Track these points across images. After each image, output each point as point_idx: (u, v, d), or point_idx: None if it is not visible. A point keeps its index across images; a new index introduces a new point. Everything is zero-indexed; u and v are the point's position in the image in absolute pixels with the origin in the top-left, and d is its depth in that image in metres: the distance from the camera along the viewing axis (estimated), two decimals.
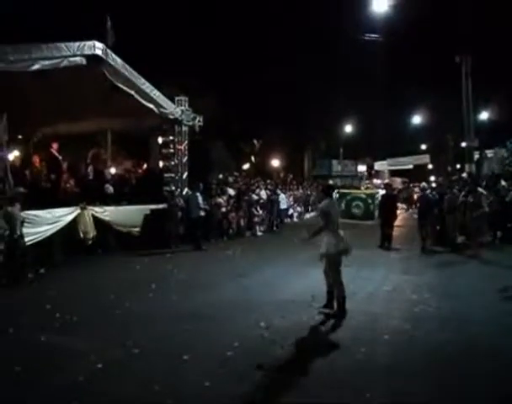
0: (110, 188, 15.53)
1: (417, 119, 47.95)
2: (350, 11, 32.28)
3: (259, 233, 20.09)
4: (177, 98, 17.62)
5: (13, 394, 4.90)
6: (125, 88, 13.64)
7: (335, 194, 26.31)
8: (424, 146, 55.68)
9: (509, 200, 15.80)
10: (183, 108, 17.60)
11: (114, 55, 12.98)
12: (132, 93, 14.00)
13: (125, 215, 14.92)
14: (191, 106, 18.11)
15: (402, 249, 15.13)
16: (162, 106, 15.91)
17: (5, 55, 10.06)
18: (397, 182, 46.83)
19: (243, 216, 19.44)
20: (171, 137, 18.16)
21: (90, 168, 16.47)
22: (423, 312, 7.70)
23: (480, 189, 15.34)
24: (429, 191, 16.64)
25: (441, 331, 6.76)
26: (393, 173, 54.34)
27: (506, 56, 31.94)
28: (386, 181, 35.60)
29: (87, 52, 11.95)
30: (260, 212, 20.71)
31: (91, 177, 16.16)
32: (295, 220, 27.21)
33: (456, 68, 26.67)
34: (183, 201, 16.47)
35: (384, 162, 53.89)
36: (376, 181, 49.58)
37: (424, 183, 18.91)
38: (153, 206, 15.70)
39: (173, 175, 18.06)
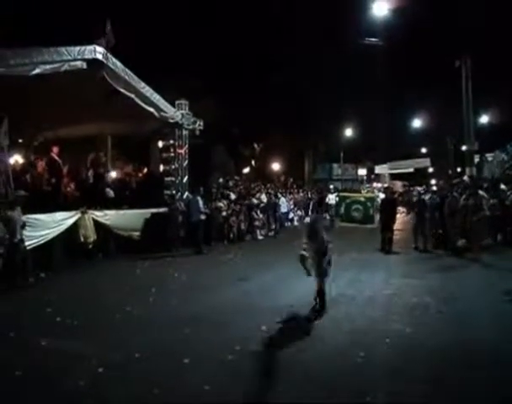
0: (111, 192, 15.55)
1: (417, 123, 47.99)
2: (351, 15, 32.37)
3: (260, 237, 20.11)
4: (177, 102, 17.66)
5: (14, 398, 4.90)
6: (125, 92, 13.65)
7: (335, 198, 26.39)
8: (424, 150, 55.67)
9: (509, 204, 15.81)
10: (183, 111, 17.63)
11: (114, 59, 12.99)
12: (132, 96, 14.01)
13: (126, 218, 14.94)
14: (191, 110, 18.15)
15: (402, 253, 15.12)
16: (162, 110, 15.93)
17: (6, 59, 10.06)
18: (398, 185, 46.85)
19: (244, 220, 19.45)
20: (171, 141, 18.21)
21: (90, 172, 16.48)
22: (423, 316, 7.69)
23: (481, 193, 15.34)
24: (426, 194, 16.66)
25: (442, 334, 6.74)
26: (394, 177, 54.34)
27: (506, 60, 32.01)
28: (386, 185, 35.60)
29: (87, 56, 11.95)
30: (261, 216, 20.72)
31: (91, 181, 16.17)
32: (295, 223, 27.19)
33: (456, 71, 26.69)
34: (183, 205, 16.48)
35: (384, 166, 53.83)
36: (377, 184, 49.58)
37: (419, 188, 18.90)
38: (154, 210, 15.72)
39: (173, 179, 18.10)
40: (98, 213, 13.81)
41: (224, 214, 18.27)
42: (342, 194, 29.07)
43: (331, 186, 32.10)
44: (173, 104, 17.11)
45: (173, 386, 5.09)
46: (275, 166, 41.50)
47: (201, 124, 18.50)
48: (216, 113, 27.70)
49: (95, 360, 5.67)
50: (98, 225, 13.70)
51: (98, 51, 12.27)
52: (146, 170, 19.64)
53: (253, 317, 7.54)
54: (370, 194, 29.62)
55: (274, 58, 34.51)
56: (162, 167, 18.76)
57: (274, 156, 41.22)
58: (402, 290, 9.60)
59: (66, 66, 11.36)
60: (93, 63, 12.15)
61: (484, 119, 40.00)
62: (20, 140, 16.12)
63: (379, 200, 23.73)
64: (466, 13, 26.21)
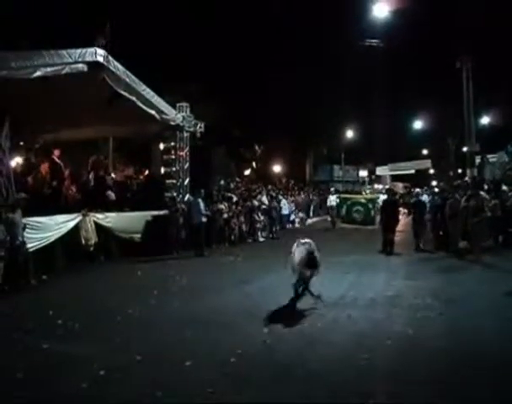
0: (112, 195, 15.56)
1: (418, 124, 48.03)
2: (352, 17, 32.40)
3: (261, 239, 20.12)
4: (178, 105, 17.66)
5: (16, 401, 4.89)
6: (126, 95, 13.65)
7: (336, 199, 26.40)
8: (425, 151, 55.74)
9: (511, 205, 15.79)
10: (184, 114, 17.63)
11: (115, 62, 13.00)
12: (134, 99, 14.01)
13: (127, 221, 14.96)
14: (192, 112, 18.15)
15: (403, 254, 15.11)
16: (163, 112, 15.93)
17: (7, 62, 10.08)
18: (399, 187, 46.79)
19: (245, 222, 19.46)
20: (172, 143, 18.22)
21: (91, 175, 16.50)
22: (425, 318, 7.66)
23: (482, 194, 15.32)
24: (424, 197, 16.67)
25: (444, 336, 6.73)
26: (395, 178, 54.30)
27: (507, 60, 32.00)
28: (388, 186, 35.60)
29: (88, 59, 11.96)
30: (262, 218, 20.72)
31: (92, 183, 16.19)
32: (296, 225, 27.21)
33: (456, 73, 26.73)
34: (185, 207, 16.49)
35: (385, 168, 53.83)
36: (378, 186, 49.58)
37: (417, 189, 18.94)
38: (155, 212, 15.73)
39: (174, 181, 18.12)
40: (99, 215, 13.83)
41: (225, 216, 18.27)
42: (343, 195, 29.15)
43: (332, 188, 32.06)
44: (174, 107, 17.12)
45: (174, 389, 5.07)
46: (276, 168, 41.50)
47: (202, 126, 18.49)
48: (216, 115, 27.72)
49: (97, 363, 5.66)
50: (99, 227, 13.71)
51: (99, 54, 12.28)
52: (147, 172, 19.66)
53: (254, 320, 7.53)
54: (370, 196, 29.69)
55: (274, 60, 34.50)
56: (163, 170, 18.76)
57: (275, 157, 41.23)
58: (404, 292, 9.58)
59: (67, 69, 11.38)
60: (94, 66, 12.17)
61: (485, 120, 39.99)
62: (21, 143, 16.11)
63: (380, 202, 23.77)
64: (467, 14, 26.23)
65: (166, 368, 5.65)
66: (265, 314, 7.84)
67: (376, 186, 49.43)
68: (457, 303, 8.65)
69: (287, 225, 25.28)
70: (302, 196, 31.75)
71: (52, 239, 11.96)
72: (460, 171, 42.14)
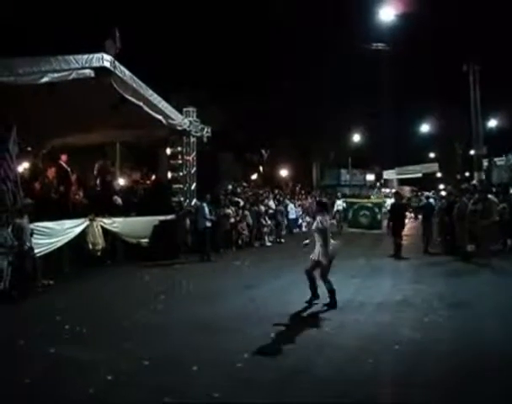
0: (119, 200, 15.60)
1: (425, 128, 47.92)
2: (358, 21, 32.44)
3: (268, 243, 20.10)
4: (185, 109, 17.69)
5: None
6: (133, 100, 13.69)
7: (342, 204, 26.33)
8: (432, 155, 55.57)
9: None
10: (191, 119, 17.65)
11: (122, 67, 13.05)
12: (140, 104, 14.04)
13: (134, 226, 15.00)
14: (199, 117, 18.17)
15: (411, 258, 15.04)
16: (170, 117, 15.96)
17: (14, 68, 10.14)
18: (406, 191, 46.62)
19: (252, 226, 19.45)
20: (179, 148, 18.23)
21: (98, 180, 16.56)
22: (433, 322, 7.62)
23: (490, 197, 15.25)
24: (432, 200, 16.62)
25: (452, 341, 6.70)
26: (402, 182, 54.12)
27: None
28: (395, 190, 35.49)
29: (95, 64, 12.02)
30: (269, 222, 20.71)
31: (98, 188, 16.24)
32: (303, 229, 27.14)
33: (464, 75, 26.66)
34: (193, 211, 16.52)
35: (393, 171, 53.62)
36: (385, 190, 49.44)
37: (427, 193, 18.87)
38: (162, 217, 15.74)
39: (181, 186, 18.13)
40: (106, 220, 13.87)
41: (232, 220, 18.27)
42: (349, 199, 29.03)
43: (338, 193, 32.01)
44: (180, 112, 17.15)
45: (182, 394, 5.06)
46: (283, 172, 41.47)
47: (209, 131, 18.51)
48: (223, 119, 27.76)
49: (104, 367, 5.67)
50: (106, 232, 13.74)
51: (106, 59, 12.34)
52: (154, 177, 19.67)
53: (261, 324, 7.52)
54: (377, 200, 29.58)
55: (281, 65, 34.58)
56: (170, 175, 18.76)
57: (282, 162, 41.21)
58: (412, 296, 9.53)
59: (74, 75, 11.43)
60: (101, 71, 12.22)
61: (493, 123, 39.83)
62: (29, 149, 16.19)
63: (387, 206, 23.69)
64: (474, 17, 26.20)
65: (173, 372, 5.65)
66: (272, 318, 7.82)
67: (383, 190, 49.27)
68: (465, 307, 8.60)
69: (294, 230, 25.23)
70: (309, 200, 31.68)
71: (60, 244, 12.01)
72: (467, 174, 41.99)
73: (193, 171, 18.25)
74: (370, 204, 27.74)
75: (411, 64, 38.08)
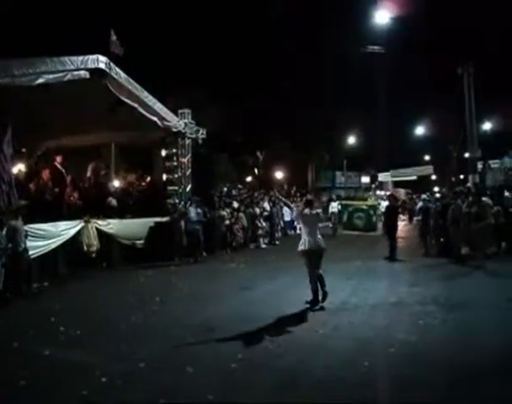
0: (114, 201, 15.55)
1: (420, 130, 48.03)
2: (353, 23, 32.50)
3: (263, 245, 20.09)
4: (180, 111, 17.68)
5: None
6: (128, 101, 13.69)
7: (337, 206, 26.31)
8: (427, 157, 55.71)
9: None
10: (186, 120, 17.64)
11: (117, 69, 13.05)
12: (135, 106, 14.04)
13: (129, 227, 14.96)
14: (194, 119, 18.16)
15: (406, 261, 15.05)
16: (165, 119, 15.95)
17: (10, 69, 10.11)
18: (401, 193, 46.69)
19: (247, 228, 19.45)
20: (174, 150, 18.18)
21: (91, 180, 16.53)
22: (428, 325, 7.63)
23: (485, 200, 15.28)
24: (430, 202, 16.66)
25: (447, 343, 6.72)
26: (397, 185, 54.20)
27: (509, 66, 32.00)
28: (389, 192, 35.55)
29: (90, 66, 12.02)
30: (264, 224, 20.70)
31: (92, 189, 16.20)
32: (298, 232, 27.10)
33: (458, 78, 26.73)
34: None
35: (387, 174, 53.65)
36: (380, 192, 49.50)
37: (424, 195, 18.91)
38: (157, 219, 15.73)
39: (176, 188, 18.07)
40: (101, 222, 13.83)
41: (227, 222, 18.26)
42: (344, 201, 29.06)
43: (333, 195, 32.02)
44: (175, 113, 17.13)
45: (177, 396, 5.07)
46: (278, 174, 41.47)
47: (204, 132, 18.49)
48: (218, 121, 27.74)
49: (99, 370, 5.65)
50: (101, 234, 13.71)
51: (101, 61, 12.35)
52: (149, 179, 19.63)
53: (256, 326, 7.51)
54: (372, 202, 29.64)
55: (276, 66, 34.59)
56: (165, 176, 18.72)
57: (277, 164, 41.21)
58: (406, 299, 9.54)
59: (69, 76, 11.43)
60: (96, 72, 12.22)
61: (487, 125, 39.94)
62: (24, 150, 16.14)
63: (381, 208, 23.73)
64: (469, 20, 26.29)
65: (168, 374, 5.64)
66: (267, 320, 7.82)
67: (378, 192, 49.33)
68: (460, 310, 8.61)
69: (289, 232, 25.22)
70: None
71: (54, 246, 11.96)
72: (462, 177, 42.05)
73: (188, 173, 18.21)
74: (365, 207, 27.79)
75: (406, 66, 38.15)
